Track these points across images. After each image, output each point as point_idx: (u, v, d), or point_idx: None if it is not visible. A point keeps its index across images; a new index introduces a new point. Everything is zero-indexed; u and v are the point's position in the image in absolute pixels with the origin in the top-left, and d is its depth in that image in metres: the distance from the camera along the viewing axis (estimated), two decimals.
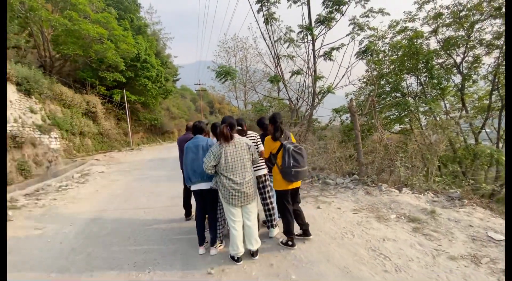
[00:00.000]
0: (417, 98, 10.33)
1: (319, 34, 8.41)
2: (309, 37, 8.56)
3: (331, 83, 7.72)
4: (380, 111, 7.63)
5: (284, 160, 2.75)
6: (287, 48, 9.15)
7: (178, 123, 37.29)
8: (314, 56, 8.75)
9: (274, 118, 2.94)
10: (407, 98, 11.48)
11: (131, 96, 23.90)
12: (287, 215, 2.87)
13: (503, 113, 9.50)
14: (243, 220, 2.79)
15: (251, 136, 3.20)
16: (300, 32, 7.79)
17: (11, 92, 11.12)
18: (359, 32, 8.07)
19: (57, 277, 2.82)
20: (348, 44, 8.08)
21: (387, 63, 10.93)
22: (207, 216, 3.12)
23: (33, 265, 3.07)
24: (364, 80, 11.59)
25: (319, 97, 7.55)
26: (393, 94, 10.48)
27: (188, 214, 4.13)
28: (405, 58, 10.20)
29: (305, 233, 3.08)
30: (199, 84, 34.72)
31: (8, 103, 10.66)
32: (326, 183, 5.24)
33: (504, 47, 8.75)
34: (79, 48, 17.12)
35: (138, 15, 26.97)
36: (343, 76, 7.90)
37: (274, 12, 8.40)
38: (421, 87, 11.20)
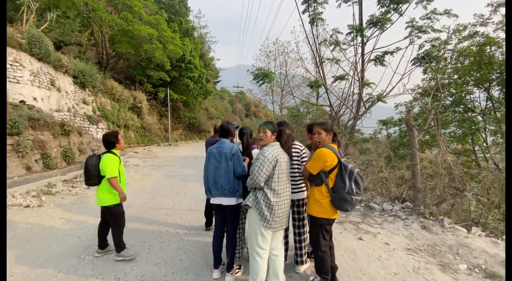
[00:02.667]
0: (485, 115, 8.76)
1: (370, 36, 7.57)
2: (359, 40, 7.76)
3: (382, 90, 6.82)
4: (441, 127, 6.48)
5: (343, 183, 2.17)
6: (332, 51, 8.46)
7: (215, 123, 38.12)
8: (363, 61, 7.90)
9: (327, 124, 2.38)
10: (470, 114, 9.91)
11: (174, 95, 25.01)
12: (324, 250, 2.28)
13: None
14: (271, 249, 2.28)
15: (296, 149, 2.65)
16: (350, 33, 7.06)
17: (68, 84, 12.15)
18: (420, 34, 7.03)
19: (62, 279, 2.61)
20: (406, 48, 7.09)
21: (450, 72, 9.51)
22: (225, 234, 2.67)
23: (44, 261, 2.93)
24: (419, 90, 10.27)
25: (366, 105, 6.70)
26: (454, 109, 9.04)
27: (208, 224, 3.75)
28: (474, 67, 8.74)
29: (333, 277, 2.40)
30: (238, 87, 35.16)
31: (64, 94, 11.65)
32: (370, 207, 4.45)
33: None
34: (131, 48, 18.36)
35: (186, 19, 28.28)
36: (396, 83, 6.93)
37: (321, 12, 7.79)
38: (490, 102, 9.54)
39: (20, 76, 9.18)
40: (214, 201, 2.52)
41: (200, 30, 36.55)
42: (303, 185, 2.65)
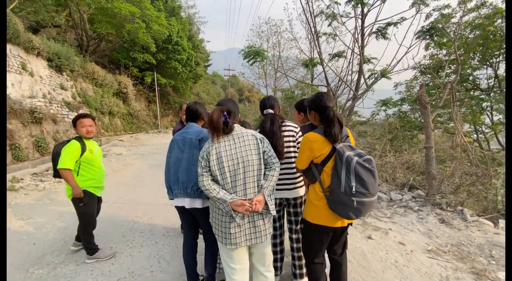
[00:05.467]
0: (490, 93, 8.22)
1: (372, 6, 6.78)
2: (359, 11, 6.96)
3: (387, 64, 6.14)
4: (447, 106, 5.89)
5: (339, 178, 1.51)
6: (328, 25, 7.65)
7: (207, 108, 37.17)
8: (363, 34, 7.15)
9: (320, 99, 1.67)
10: (473, 92, 9.38)
11: (161, 79, 23.80)
12: (316, 269, 1.71)
13: None
14: (256, 266, 1.70)
15: (289, 130, 2.03)
16: (349, 1, 6.26)
17: (42, 67, 11.08)
18: (428, 1, 6.27)
19: None
20: (413, 18, 6.33)
21: (457, 46, 8.82)
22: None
23: None
24: (419, 69, 9.61)
25: (368, 83, 6.05)
26: (460, 86, 8.45)
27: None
28: (481, 41, 8.07)
29: None
30: (229, 69, 33.86)
31: (38, 79, 10.62)
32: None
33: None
34: (112, 28, 16.99)
35: None
36: (401, 58, 6.23)
37: None
38: (492, 80, 8.99)
39: None
40: (177, 202, 1.91)
41: (188, 10, 34.47)
42: (301, 178, 2.04)
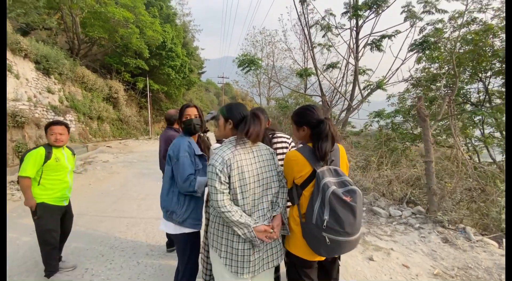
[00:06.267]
0: (482, 107, 8.34)
1: (367, 18, 6.83)
2: (354, 23, 7.00)
3: (383, 76, 6.12)
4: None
5: (312, 208, 1.30)
6: (323, 36, 7.67)
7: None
8: (357, 46, 7.17)
9: (311, 111, 1.46)
10: (463, 106, 9.53)
11: (154, 85, 23.51)
12: None
13: None
14: None
15: (281, 142, 1.86)
16: (345, 12, 6.27)
17: (29, 70, 10.69)
18: (422, 16, 6.36)
19: None
20: (409, 32, 6.40)
21: (448, 60, 9.00)
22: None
23: None
24: (413, 81, 9.73)
25: (364, 94, 6.00)
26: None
27: (170, 244, 2.87)
28: (472, 56, 8.23)
29: None
30: (223, 77, 33.92)
31: (23, 81, 10.22)
32: (373, 212, 3.75)
33: None
34: (105, 32, 16.78)
35: (168, 4, 26.49)
36: (396, 70, 6.24)
37: None
38: (482, 94, 9.16)
39: None
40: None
41: (183, 18, 34.67)
42: None
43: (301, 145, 1.52)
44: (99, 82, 17.02)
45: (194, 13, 43.46)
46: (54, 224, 2.34)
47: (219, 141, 1.85)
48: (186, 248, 1.73)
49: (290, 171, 1.42)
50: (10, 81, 9.42)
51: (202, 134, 2.03)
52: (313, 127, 1.42)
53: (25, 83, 10.34)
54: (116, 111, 18.92)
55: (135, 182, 6.28)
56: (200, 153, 1.75)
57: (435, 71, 9.55)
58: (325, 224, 1.22)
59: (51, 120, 2.79)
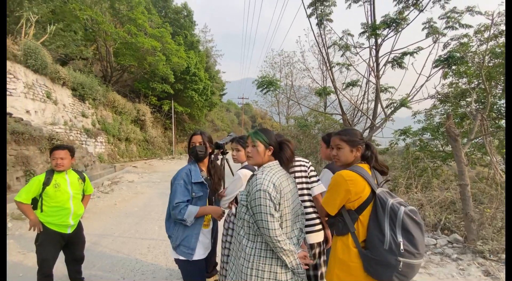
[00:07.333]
0: None
1: (386, 37, 6.78)
2: (372, 41, 6.98)
3: (407, 94, 5.93)
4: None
5: (381, 231, 1.21)
6: (341, 56, 7.71)
7: (221, 135, 37.84)
8: (377, 64, 7.08)
9: (351, 132, 1.43)
10: (499, 122, 8.87)
11: (178, 107, 24.67)
12: None
13: None
14: None
15: (299, 165, 1.83)
16: (363, 32, 6.30)
17: (66, 96, 11.75)
18: (445, 31, 6.20)
19: None
20: (432, 48, 6.24)
21: (477, 75, 8.58)
22: None
23: None
24: (439, 97, 9.32)
25: (387, 112, 5.82)
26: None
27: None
28: (501, 69, 7.78)
29: None
30: (242, 98, 34.91)
31: (61, 107, 11.20)
32: None
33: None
34: (135, 60, 18.20)
35: (192, 32, 28.42)
36: (421, 87, 6.03)
37: (330, 13, 7.11)
38: None
39: (13, 89, 8.75)
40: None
41: (206, 44, 36.87)
42: (318, 220, 1.77)
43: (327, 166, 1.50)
44: (128, 106, 18.20)
45: (216, 39, 46.09)
46: (51, 254, 2.24)
47: (245, 166, 1.86)
48: (186, 275, 1.76)
49: (342, 193, 1.28)
50: (49, 107, 10.37)
51: (216, 158, 2.06)
52: (367, 147, 1.42)
53: (63, 109, 11.32)
54: (142, 133, 19.94)
55: (158, 202, 6.41)
56: (200, 180, 1.74)
57: (463, 86, 9.12)
58: (402, 247, 1.15)
59: (55, 145, 2.85)
